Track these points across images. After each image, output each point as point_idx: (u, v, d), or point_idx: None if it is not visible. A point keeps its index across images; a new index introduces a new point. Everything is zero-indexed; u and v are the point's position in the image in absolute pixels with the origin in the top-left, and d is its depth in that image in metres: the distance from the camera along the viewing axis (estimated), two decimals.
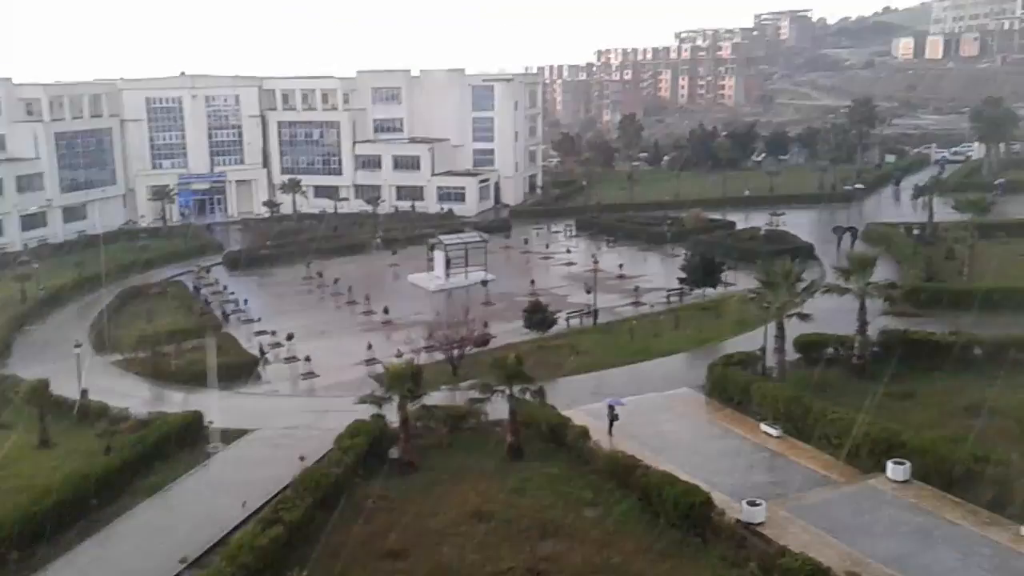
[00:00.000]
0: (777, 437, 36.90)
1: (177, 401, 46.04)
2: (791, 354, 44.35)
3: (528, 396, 37.00)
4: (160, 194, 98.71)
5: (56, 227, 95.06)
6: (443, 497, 33.33)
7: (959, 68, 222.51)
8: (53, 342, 56.82)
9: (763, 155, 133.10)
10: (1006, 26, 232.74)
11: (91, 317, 63.35)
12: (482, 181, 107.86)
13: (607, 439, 36.93)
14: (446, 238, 74.02)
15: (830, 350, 45.73)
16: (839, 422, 35.41)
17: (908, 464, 31.94)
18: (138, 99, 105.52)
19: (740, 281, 61.53)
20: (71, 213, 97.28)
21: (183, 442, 39.78)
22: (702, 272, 62.00)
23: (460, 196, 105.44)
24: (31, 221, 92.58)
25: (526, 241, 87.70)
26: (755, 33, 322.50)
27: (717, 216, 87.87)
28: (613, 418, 38.20)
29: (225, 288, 72.34)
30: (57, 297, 68.63)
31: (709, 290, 62.39)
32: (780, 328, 42.87)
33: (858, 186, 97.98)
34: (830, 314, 45.93)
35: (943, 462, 31.41)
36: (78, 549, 31.25)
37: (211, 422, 41.77)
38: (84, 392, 45.83)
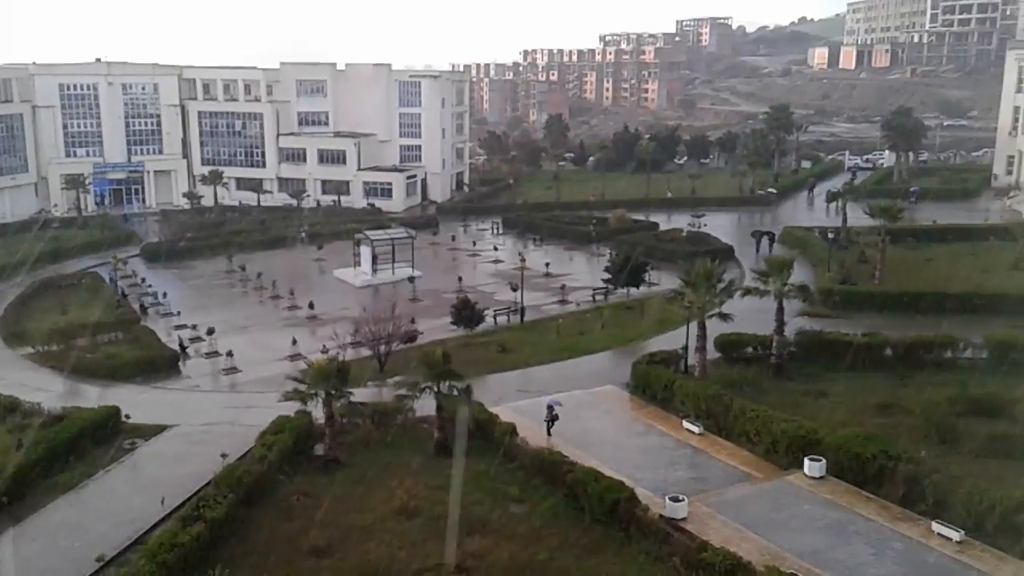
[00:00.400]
0: (699, 434, 37.76)
1: (93, 396, 44.59)
2: (712, 353, 45.40)
3: (455, 392, 37.08)
4: (74, 183, 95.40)
5: None
6: (369, 494, 33.14)
7: (871, 78, 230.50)
8: None
9: (685, 158, 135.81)
10: (915, 39, 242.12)
11: (1, 308, 60.87)
12: (409, 177, 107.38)
13: (545, 439, 37.03)
14: (373, 234, 73.51)
15: (749, 349, 47.02)
16: (758, 420, 36.41)
17: (824, 461, 33.05)
18: (51, 85, 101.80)
19: (663, 281, 62.75)
20: None
21: (99, 438, 38.59)
22: (626, 272, 63.00)
23: (387, 192, 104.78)
24: None
25: (453, 238, 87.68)
26: (677, 39, 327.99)
27: (641, 217, 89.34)
28: (552, 418, 38.21)
29: (143, 281, 70.47)
30: None
31: (633, 290, 63.44)
32: (702, 327, 43.87)
33: (771, 190, 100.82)
34: (749, 315, 47.20)
35: (857, 459, 32.56)
36: None
37: (128, 417, 40.69)
38: None
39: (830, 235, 71.38)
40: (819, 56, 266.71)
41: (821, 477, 32.81)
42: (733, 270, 65.71)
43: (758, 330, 46.81)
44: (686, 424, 38.60)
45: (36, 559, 29.59)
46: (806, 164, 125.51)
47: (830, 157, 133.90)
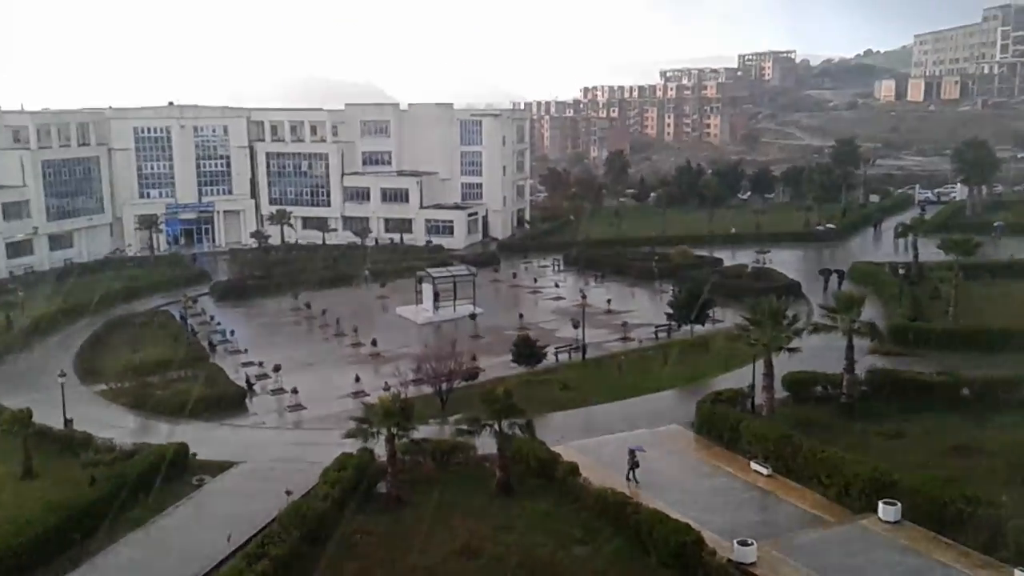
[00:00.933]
0: (767, 476, 36.84)
1: (163, 432, 45.53)
2: (780, 392, 44.42)
3: (517, 431, 36.87)
4: (147, 223, 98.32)
5: (42, 255, 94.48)
6: (431, 533, 32.98)
7: (940, 110, 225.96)
8: (38, 371, 56.21)
9: (749, 193, 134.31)
10: (986, 70, 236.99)
11: (76, 346, 62.76)
12: (470, 215, 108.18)
13: (625, 484, 35.90)
14: (434, 271, 74.03)
15: (819, 389, 45.90)
16: (829, 461, 35.39)
17: (899, 504, 31.91)
18: (126, 128, 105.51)
19: (728, 318, 61.73)
20: (57, 241, 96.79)
21: (168, 474, 39.25)
22: (690, 308, 62.16)
23: (448, 229, 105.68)
24: (17, 249, 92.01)
25: (514, 275, 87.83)
26: (739, 73, 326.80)
27: (704, 253, 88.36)
28: (634, 464, 36.85)
29: (212, 318, 71.93)
30: (42, 326, 67.92)
31: (697, 327, 62.55)
32: (768, 366, 42.96)
33: (830, 225, 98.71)
34: (818, 352, 46.13)
35: (934, 503, 31.39)
36: None
37: (195, 454, 41.37)
38: (68, 422, 45.32)
39: (901, 271, 69.69)
40: (886, 88, 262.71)
41: (897, 522, 31.64)
42: (800, 307, 64.51)
43: (827, 369, 45.71)
44: (754, 465, 37.70)
45: None
46: (874, 198, 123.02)
47: (899, 191, 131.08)
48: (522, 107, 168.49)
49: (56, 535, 32.55)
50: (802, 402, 45.32)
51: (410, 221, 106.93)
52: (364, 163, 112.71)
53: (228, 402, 50.69)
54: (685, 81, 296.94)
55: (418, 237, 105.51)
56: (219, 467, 40.64)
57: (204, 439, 43.64)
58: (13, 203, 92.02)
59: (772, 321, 43.49)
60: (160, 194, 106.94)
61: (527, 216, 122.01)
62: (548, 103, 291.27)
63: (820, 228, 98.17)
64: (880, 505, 32.11)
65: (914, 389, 44.32)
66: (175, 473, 39.64)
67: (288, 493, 35.39)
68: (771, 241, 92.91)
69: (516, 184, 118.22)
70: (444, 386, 48.30)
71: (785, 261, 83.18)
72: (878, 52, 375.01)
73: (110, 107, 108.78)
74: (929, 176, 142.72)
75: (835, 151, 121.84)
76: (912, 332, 55.33)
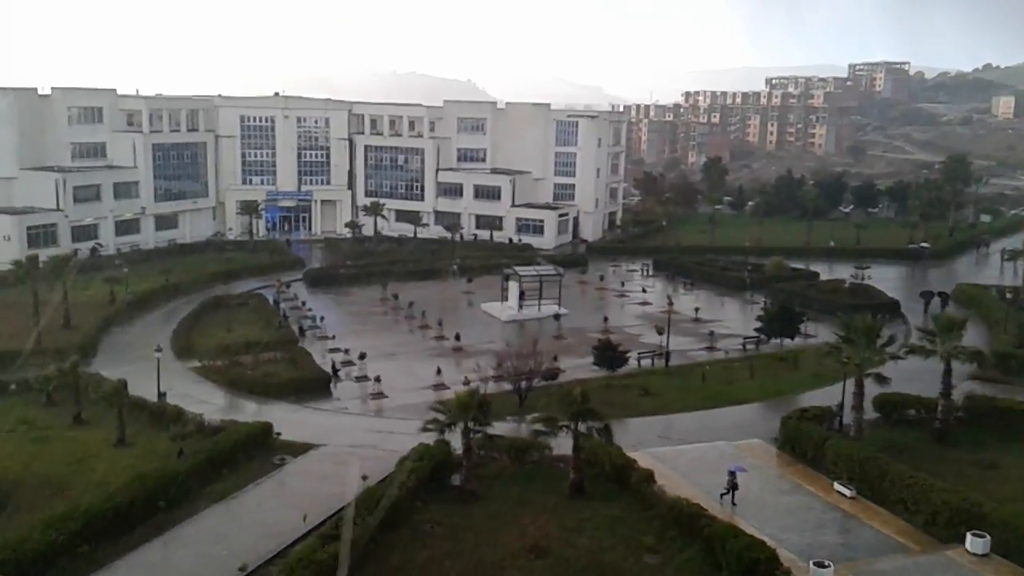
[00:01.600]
0: (851, 498, 35.64)
1: (250, 411, 46.94)
2: (870, 413, 42.93)
3: (594, 433, 36.59)
4: (248, 209, 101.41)
5: (148, 234, 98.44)
6: (501, 529, 33.04)
7: None
8: (137, 344, 58.53)
9: (851, 207, 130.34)
10: None
11: (174, 323, 65.12)
12: (561, 215, 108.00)
13: (720, 507, 34.41)
14: (521, 269, 74.16)
15: (912, 412, 44.24)
16: (917, 487, 34.04)
17: (988, 537, 30.44)
18: (233, 116, 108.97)
19: (820, 333, 60.03)
20: (163, 221, 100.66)
21: (252, 452, 40.45)
22: (781, 321, 60.70)
23: (539, 228, 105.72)
24: (125, 227, 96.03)
25: (602, 278, 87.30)
26: (849, 83, 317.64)
27: (800, 265, 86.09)
28: (733, 486, 35.26)
29: (303, 304, 73.70)
30: (144, 302, 70.80)
31: (787, 340, 61.01)
32: (859, 385, 41.53)
33: (924, 244, 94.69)
34: (915, 375, 44.42)
35: None
36: (143, 548, 31.94)
37: (279, 434, 42.46)
38: (162, 395, 47.11)
39: (1008, 295, 66.55)
40: (1004, 105, 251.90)
41: (985, 555, 30.19)
42: (898, 326, 62.28)
43: (923, 392, 43.97)
44: (837, 486, 36.52)
45: (185, 563, 31.17)
46: (985, 218, 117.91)
47: (1013, 212, 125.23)
48: (621, 110, 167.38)
49: (143, 502, 33.82)
50: (893, 425, 43.75)
51: (501, 219, 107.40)
52: (459, 159, 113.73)
53: (313, 386, 51.82)
54: (791, 89, 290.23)
55: (508, 235, 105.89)
56: (301, 448, 41.60)
57: (288, 420, 44.76)
58: (124, 183, 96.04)
59: (865, 340, 42.04)
60: (262, 181, 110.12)
61: (619, 219, 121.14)
62: (648, 106, 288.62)
63: (914, 246, 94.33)
64: (968, 536, 30.70)
65: (1013, 419, 42.24)
66: (258, 451, 40.79)
67: (364, 478, 35.98)
68: (872, 257, 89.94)
69: (609, 186, 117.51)
70: (523, 384, 48.33)
71: (886, 278, 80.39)
72: (998, 67, 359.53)
73: (219, 95, 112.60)
74: None
75: (945, 167, 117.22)
76: (1016, 359, 52.74)
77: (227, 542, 32.47)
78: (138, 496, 33.76)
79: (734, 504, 34.95)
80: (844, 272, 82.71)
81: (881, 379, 41.43)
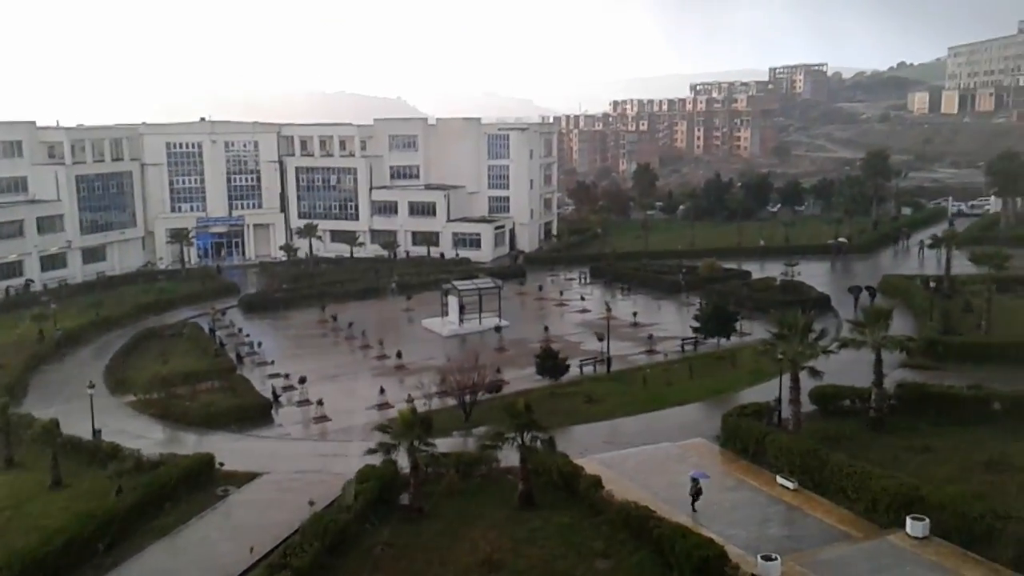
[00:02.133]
0: (793, 490, 36.36)
1: (190, 443, 45.96)
2: (807, 406, 43.89)
3: (539, 444, 36.73)
4: (178, 237, 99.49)
5: (75, 268, 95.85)
6: (453, 545, 32.94)
7: (975, 123, 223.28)
8: (69, 382, 56.98)
9: (778, 206, 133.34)
10: (1021, 81, 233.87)
11: (107, 357, 63.53)
12: (497, 228, 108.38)
13: (689, 515, 34.23)
14: (460, 284, 74.16)
15: (846, 402, 45.31)
16: (856, 476, 34.87)
17: (927, 520, 31.34)
18: (159, 144, 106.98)
19: (755, 331, 61.23)
20: (91, 254, 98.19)
21: (194, 484, 39.63)
22: (716, 321, 61.77)
23: (476, 242, 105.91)
24: (51, 261, 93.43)
25: (540, 288, 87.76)
26: (770, 86, 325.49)
27: (732, 266, 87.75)
28: (696, 492, 35.20)
29: (240, 330, 72.53)
30: (74, 337, 68.87)
31: (723, 340, 62.11)
32: (795, 380, 42.45)
33: (842, 240, 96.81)
34: (847, 366, 45.59)
35: (963, 519, 30.82)
36: None
37: (222, 464, 41.68)
38: (97, 432, 45.87)
39: (932, 284, 68.69)
40: (919, 101, 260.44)
41: (925, 537, 31.08)
42: (830, 320, 63.81)
43: (856, 382, 45.12)
44: (779, 479, 37.25)
45: None
46: (906, 211, 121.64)
47: (932, 203, 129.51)
48: (551, 121, 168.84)
49: (82, 544, 32.87)
50: (829, 416, 44.75)
51: (437, 234, 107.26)
52: (392, 177, 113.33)
53: (254, 413, 51.01)
54: (715, 94, 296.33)
55: (445, 250, 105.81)
56: (244, 478, 40.86)
57: (230, 450, 43.93)
58: (48, 217, 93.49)
59: (799, 335, 43.06)
60: (191, 208, 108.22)
61: (554, 229, 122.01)
62: (577, 117, 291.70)
63: (833, 242, 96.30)
64: (908, 520, 31.57)
65: (944, 403, 43.62)
66: (201, 484, 39.98)
67: (311, 504, 35.55)
68: (800, 254, 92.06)
69: (544, 197, 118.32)
70: (468, 398, 48.31)
71: (814, 274, 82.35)
72: (911, 64, 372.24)
73: (144, 123, 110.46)
74: (963, 188, 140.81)
75: (866, 163, 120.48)
76: (942, 345, 54.51)
77: None
78: (77, 537, 32.78)
79: (694, 510, 34.82)
80: (775, 270, 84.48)
81: (815, 372, 42.39)
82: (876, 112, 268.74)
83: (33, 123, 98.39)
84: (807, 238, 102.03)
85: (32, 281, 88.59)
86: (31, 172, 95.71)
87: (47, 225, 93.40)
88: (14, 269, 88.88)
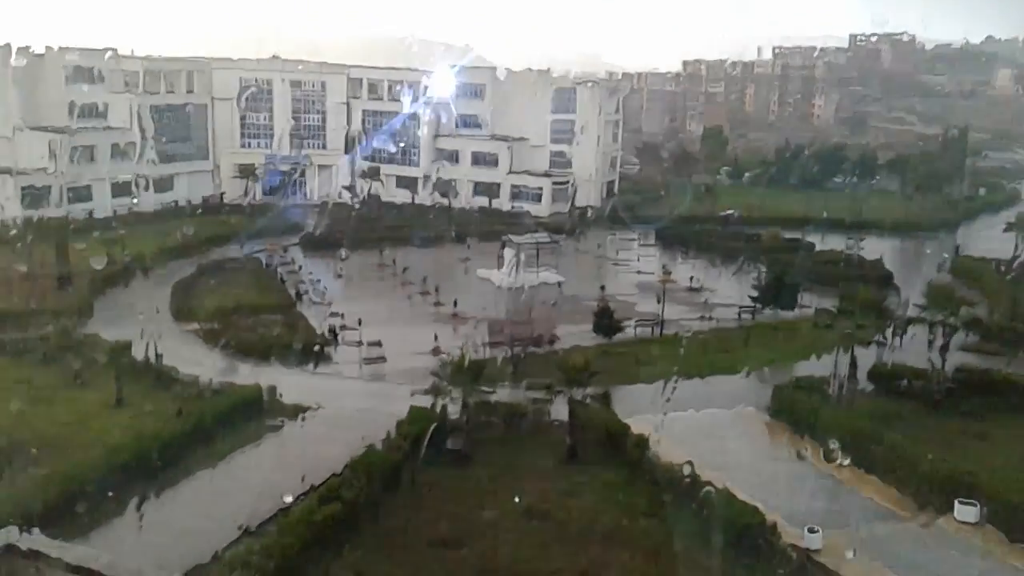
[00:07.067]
0: (842, 466, 36.03)
1: (247, 374, 47.09)
2: (863, 383, 43.28)
3: (590, 400, 36.91)
4: (246, 172, 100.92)
5: (145, 197, 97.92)
6: (498, 491, 33.43)
7: None
8: (133, 307, 58.56)
9: (850, 178, 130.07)
10: None
11: (170, 285, 65.12)
12: (559, 183, 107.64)
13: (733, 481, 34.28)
14: (518, 237, 74.08)
15: (904, 382, 44.52)
16: (908, 456, 34.44)
17: (977, 506, 30.90)
18: (231, 79, 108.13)
19: (816, 304, 60.24)
20: (160, 184, 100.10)
21: (250, 414, 40.71)
22: (776, 291, 60.88)
23: (536, 196, 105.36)
24: (121, 189, 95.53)
25: (599, 246, 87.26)
26: (850, 54, 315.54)
27: (797, 236, 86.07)
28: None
29: (300, 268, 73.67)
30: (141, 263, 70.61)
31: (782, 311, 61.25)
32: (853, 356, 41.84)
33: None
34: (909, 346, 44.78)
35: (1015, 508, 30.29)
36: (141, 508, 32.23)
37: (280, 395, 42.69)
38: (159, 357, 47.23)
39: (1002, 268, 66.83)
40: (1004, 78, 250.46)
41: (974, 523, 30.65)
42: (893, 298, 62.48)
43: (916, 363, 44.25)
44: (829, 454, 36.85)
45: (183, 521, 31.50)
46: (983, 191, 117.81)
47: (1012, 185, 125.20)
48: (620, 77, 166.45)
49: (140, 462, 34.09)
50: (886, 395, 44.07)
51: (498, 186, 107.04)
52: (457, 125, 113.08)
53: (311, 349, 52.01)
54: (792, 60, 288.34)
55: (505, 202, 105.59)
56: (299, 411, 41.85)
57: (286, 384, 44.80)
58: (119, 144, 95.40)
59: (861, 310, 42.34)
60: (259, 144, 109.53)
61: (616, 188, 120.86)
62: (647, 75, 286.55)
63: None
64: (957, 505, 31.16)
65: (1006, 390, 42.63)
66: (256, 413, 41.05)
67: (363, 440, 36.28)
68: (868, 229, 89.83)
69: (608, 155, 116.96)
70: (519, 350, 48.57)
71: (881, 250, 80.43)
72: (999, 39, 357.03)
73: (217, 58, 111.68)
74: None
75: (944, 140, 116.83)
76: (1011, 332, 53.03)
77: (225, 501, 32.83)
78: (136, 456, 34.00)
79: None
80: (840, 243, 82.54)
81: (879, 344, 41.73)
82: (957, 87, 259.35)
83: (114, 50, 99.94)
84: (877, 213, 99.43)
85: (94, 210, 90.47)
86: (110, 100, 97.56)
87: (119, 153, 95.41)
88: (82, 194, 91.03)
